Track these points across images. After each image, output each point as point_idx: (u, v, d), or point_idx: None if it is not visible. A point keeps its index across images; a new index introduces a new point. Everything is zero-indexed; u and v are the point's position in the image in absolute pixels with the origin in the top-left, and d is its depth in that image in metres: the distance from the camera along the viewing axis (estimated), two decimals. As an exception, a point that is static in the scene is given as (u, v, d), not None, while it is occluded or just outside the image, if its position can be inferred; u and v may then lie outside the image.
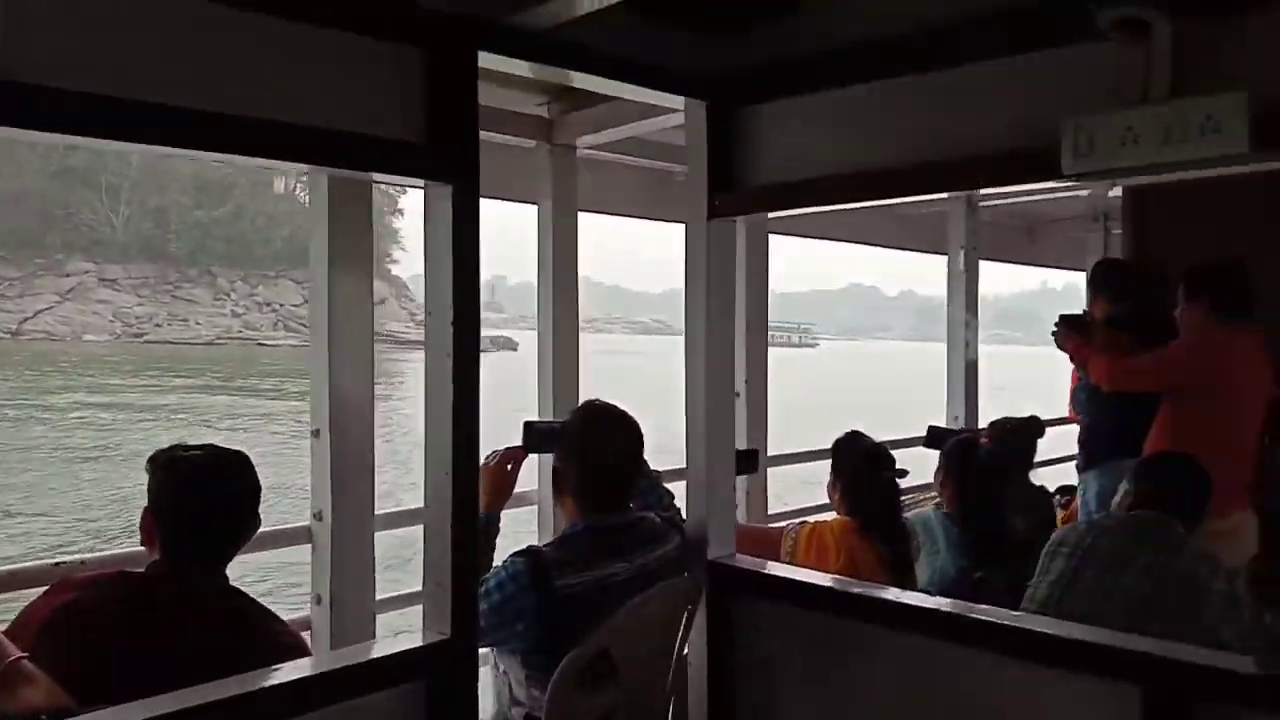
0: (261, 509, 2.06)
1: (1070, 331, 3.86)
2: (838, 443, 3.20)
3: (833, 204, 2.44)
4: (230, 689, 1.72)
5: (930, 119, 2.21)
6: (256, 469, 2.06)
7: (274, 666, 1.85)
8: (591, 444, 2.37)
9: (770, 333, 3.79)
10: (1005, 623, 2.16)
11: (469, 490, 2.02)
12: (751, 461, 3.38)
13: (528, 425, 2.75)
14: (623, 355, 54.22)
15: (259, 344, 55.03)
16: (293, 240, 61.29)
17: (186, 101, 1.65)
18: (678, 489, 2.72)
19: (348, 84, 1.89)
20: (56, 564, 2.32)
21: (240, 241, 61.77)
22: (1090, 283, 4.21)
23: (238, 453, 2.05)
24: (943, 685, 2.23)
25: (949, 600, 2.42)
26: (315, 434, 2.57)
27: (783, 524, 3.25)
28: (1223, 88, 1.69)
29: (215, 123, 1.69)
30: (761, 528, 3.32)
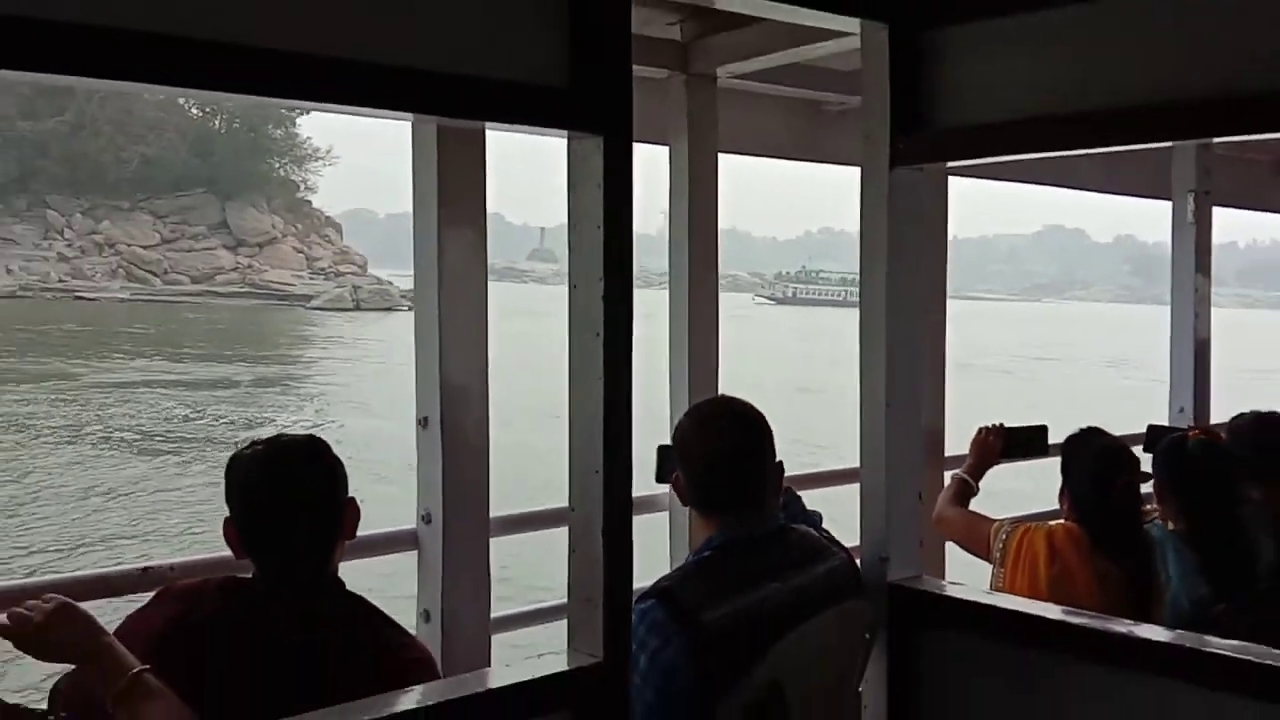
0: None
1: None
2: (1068, 441, 2.69)
3: (1046, 150, 2.05)
4: (351, 715, 1.49)
5: (1172, 46, 1.83)
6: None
7: (402, 690, 1.59)
8: (702, 443, 1.98)
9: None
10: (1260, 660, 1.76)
11: (621, 489, 1.70)
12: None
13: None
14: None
15: (78, 297, 42.57)
16: (159, 163, 47.30)
17: (279, 43, 1.38)
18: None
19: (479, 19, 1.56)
20: (144, 570, 2.09)
21: (83, 162, 46.58)
22: None
23: (309, 436, 1.78)
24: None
25: (1191, 635, 2.01)
26: (423, 423, 2.25)
27: (1000, 517, 2.74)
28: None
29: (294, 64, 1.40)
30: (976, 516, 2.80)
